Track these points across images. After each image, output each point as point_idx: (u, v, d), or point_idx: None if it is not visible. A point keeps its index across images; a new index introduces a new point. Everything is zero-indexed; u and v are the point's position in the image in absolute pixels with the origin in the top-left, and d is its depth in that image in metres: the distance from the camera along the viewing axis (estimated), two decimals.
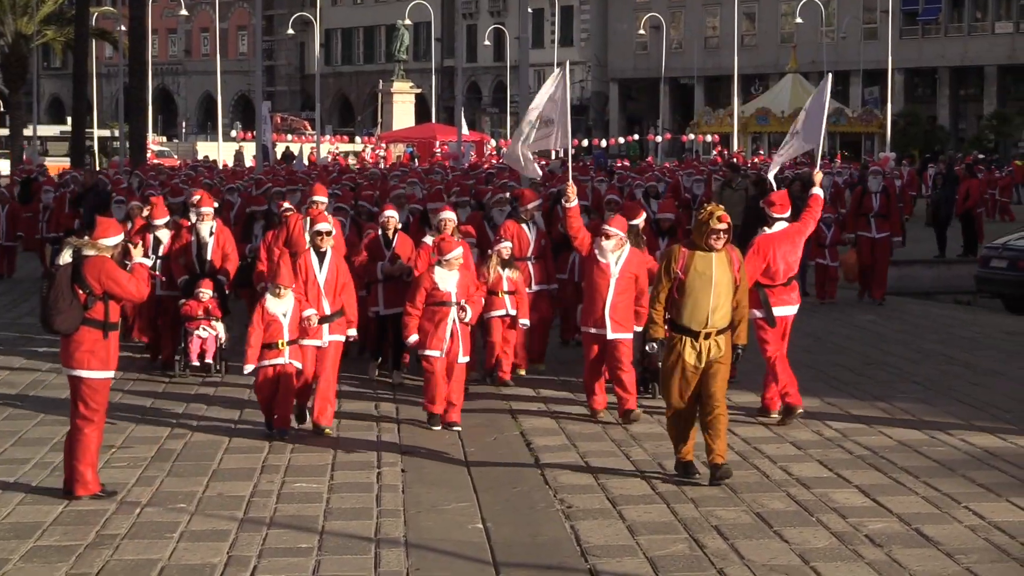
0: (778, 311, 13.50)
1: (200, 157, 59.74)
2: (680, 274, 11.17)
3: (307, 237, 14.07)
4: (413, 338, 13.39)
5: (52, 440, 12.71)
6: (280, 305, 12.88)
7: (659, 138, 71.34)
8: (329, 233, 13.27)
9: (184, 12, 77.30)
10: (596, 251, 13.49)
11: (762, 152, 64.23)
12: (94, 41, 61.05)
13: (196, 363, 15.80)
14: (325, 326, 13.14)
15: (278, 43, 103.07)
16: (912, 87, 78.97)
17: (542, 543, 9.79)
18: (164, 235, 16.50)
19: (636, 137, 73.99)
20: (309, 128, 73.94)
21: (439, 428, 13.30)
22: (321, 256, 13.26)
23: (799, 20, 66.79)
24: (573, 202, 13.81)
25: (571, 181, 14.25)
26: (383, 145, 64.44)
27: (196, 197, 16.70)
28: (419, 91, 76.61)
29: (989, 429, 13.19)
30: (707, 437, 11.12)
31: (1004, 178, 45.07)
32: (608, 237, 13.49)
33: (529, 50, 26.53)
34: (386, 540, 9.79)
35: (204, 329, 15.76)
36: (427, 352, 13.35)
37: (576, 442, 12.78)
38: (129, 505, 10.66)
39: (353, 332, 13.53)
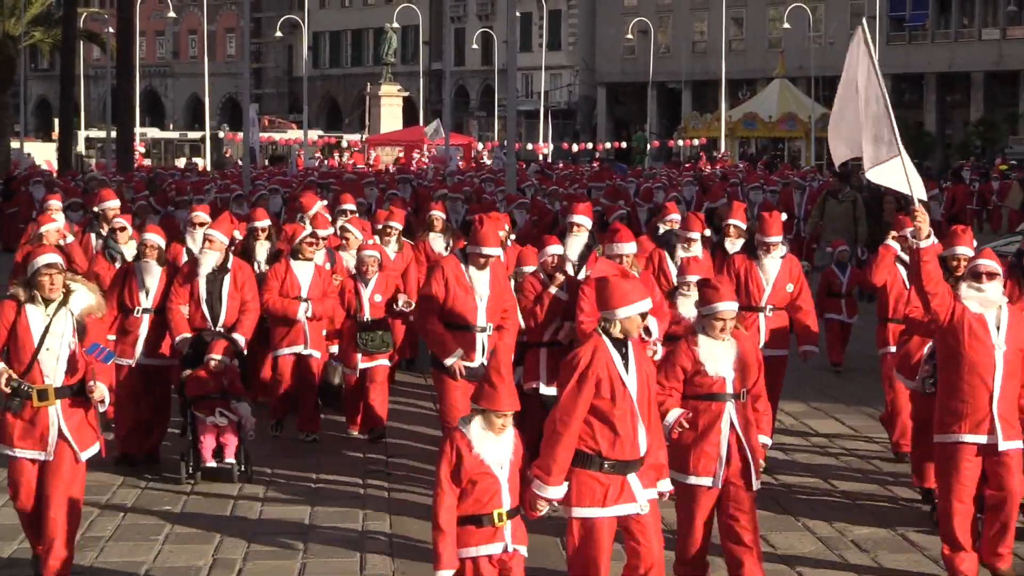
0: None
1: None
2: None
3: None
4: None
5: None
6: (497, 449, 7.25)
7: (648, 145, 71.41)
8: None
9: (172, 14, 77.15)
10: (969, 312, 8.62)
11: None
12: (82, 43, 60.90)
13: (211, 463, 11.28)
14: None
15: (266, 46, 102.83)
16: (899, 93, 79.00)
17: (529, 547, 9.76)
18: (153, 273, 11.69)
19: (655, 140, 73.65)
20: (296, 130, 73.83)
21: None
22: None
23: (787, 25, 66.90)
24: (928, 239, 8.65)
25: (919, 206, 8.78)
26: (383, 151, 64.41)
27: (199, 214, 13.16)
28: (407, 94, 76.58)
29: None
30: None
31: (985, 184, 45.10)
32: (983, 279, 8.61)
33: (517, 54, 26.51)
34: (372, 542, 9.79)
35: (221, 414, 11.30)
36: (690, 480, 8.09)
37: None
38: (114, 507, 10.63)
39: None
